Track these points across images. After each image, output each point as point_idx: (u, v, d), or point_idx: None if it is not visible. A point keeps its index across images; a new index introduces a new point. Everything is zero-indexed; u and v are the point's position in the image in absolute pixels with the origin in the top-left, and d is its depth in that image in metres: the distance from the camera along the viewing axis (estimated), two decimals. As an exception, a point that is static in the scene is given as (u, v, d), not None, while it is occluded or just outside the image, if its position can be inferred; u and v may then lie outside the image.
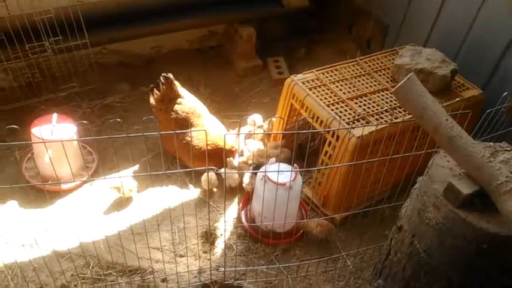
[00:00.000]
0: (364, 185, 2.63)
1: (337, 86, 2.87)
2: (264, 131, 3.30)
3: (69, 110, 3.41)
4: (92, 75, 3.59)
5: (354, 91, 2.85)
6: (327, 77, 2.94)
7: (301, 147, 3.14)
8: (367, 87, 2.90)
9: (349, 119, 2.62)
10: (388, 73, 3.06)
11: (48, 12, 2.99)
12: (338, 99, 2.77)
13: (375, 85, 2.94)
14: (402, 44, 3.30)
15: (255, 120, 3.38)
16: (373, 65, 3.12)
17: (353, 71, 3.04)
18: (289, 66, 4.12)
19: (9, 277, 2.39)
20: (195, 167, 2.99)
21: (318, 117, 2.69)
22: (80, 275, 2.43)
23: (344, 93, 2.82)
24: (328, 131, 2.63)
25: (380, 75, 3.03)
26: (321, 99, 2.74)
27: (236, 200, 2.96)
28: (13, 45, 3.03)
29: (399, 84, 1.71)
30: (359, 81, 2.95)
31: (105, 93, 3.63)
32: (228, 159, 3.04)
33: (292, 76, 2.91)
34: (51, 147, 2.73)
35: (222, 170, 2.87)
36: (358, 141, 2.46)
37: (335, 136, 2.59)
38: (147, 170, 3.06)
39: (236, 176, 2.93)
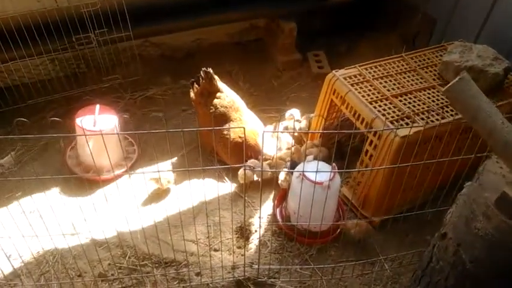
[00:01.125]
0: (407, 187, 2.52)
1: (380, 83, 2.76)
2: (300, 127, 3.22)
3: (112, 101, 3.48)
4: (135, 67, 3.63)
5: (398, 88, 2.74)
6: (370, 72, 2.84)
7: (341, 145, 3.05)
8: (412, 85, 2.78)
9: (393, 117, 2.51)
10: (435, 70, 2.92)
11: (95, 5, 3.05)
12: (382, 96, 2.67)
13: (420, 82, 2.81)
14: (450, 40, 3.14)
15: (293, 114, 3.32)
16: (419, 61, 2.98)
17: (398, 67, 2.92)
18: (330, 62, 4.02)
19: (50, 263, 2.47)
20: (231, 161, 3.00)
21: (359, 115, 2.60)
22: (117, 264, 2.48)
23: (388, 90, 2.71)
24: (370, 131, 2.53)
25: (426, 72, 2.89)
26: (363, 96, 2.65)
27: (271, 196, 2.92)
28: (61, 37, 3.10)
29: (450, 83, 1.60)
30: (404, 77, 2.83)
31: (147, 85, 3.68)
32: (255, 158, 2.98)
33: (333, 71, 2.83)
34: (92, 138, 2.79)
35: (259, 166, 2.85)
36: (403, 141, 2.35)
37: (377, 135, 2.49)
38: (184, 163, 3.11)
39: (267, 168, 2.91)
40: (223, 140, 2.94)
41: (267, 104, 3.66)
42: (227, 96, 3.03)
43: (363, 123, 2.58)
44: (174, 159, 3.14)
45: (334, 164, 2.49)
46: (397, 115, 2.53)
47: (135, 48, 3.47)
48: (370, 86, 2.74)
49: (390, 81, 2.79)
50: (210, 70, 2.95)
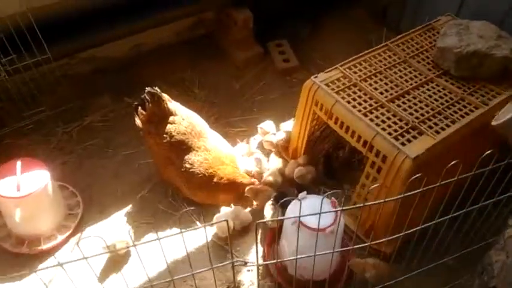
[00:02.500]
0: (424, 206, 2.09)
1: (370, 84, 2.27)
2: (277, 142, 2.70)
3: (41, 141, 2.81)
4: (63, 92, 2.95)
5: (392, 88, 2.25)
6: (355, 72, 2.33)
7: (329, 159, 2.56)
8: (407, 81, 2.31)
9: (396, 131, 2.03)
10: (427, 57, 2.46)
11: (-7, 28, 2.33)
12: (375, 103, 2.18)
13: (415, 76, 2.34)
14: (431, 13, 2.69)
15: (265, 128, 2.79)
16: (408, 48, 2.51)
17: (385, 59, 2.43)
18: (293, 49, 3.47)
19: None
20: (199, 200, 2.46)
21: (354, 132, 2.10)
22: None
23: (381, 92, 2.22)
24: (371, 150, 2.05)
25: (419, 62, 2.43)
26: (354, 106, 2.14)
27: (254, 235, 2.40)
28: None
29: (503, 119, 1.14)
30: (395, 73, 2.35)
31: (82, 111, 3.00)
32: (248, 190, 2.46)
33: (312, 78, 2.30)
34: (20, 204, 2.16)
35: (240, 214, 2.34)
36: (415, 164, 1.89)
37: (380, 156, 2.01)
38: (144, 208, 2.53)
39: (247, 213, 2.40)
40: (187, 176, 2.38)
41: (232, 113, 3.09)
42: (183, 120, 2.42)
43: (359, 141, 2.09)
44: (129, 208, 2.54)
45: (333, 199, 2.01)
46: (400, 127, 2.06)
47: (58, 69, 2.77)
48: (359, 90, 2.24)
49: (381, 80, 2.30)
50: (157, 90, 2.32)
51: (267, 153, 2.77)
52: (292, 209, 2.03)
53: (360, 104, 2.16)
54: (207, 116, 2.94)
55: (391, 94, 2.21)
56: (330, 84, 2.25)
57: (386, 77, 2.32)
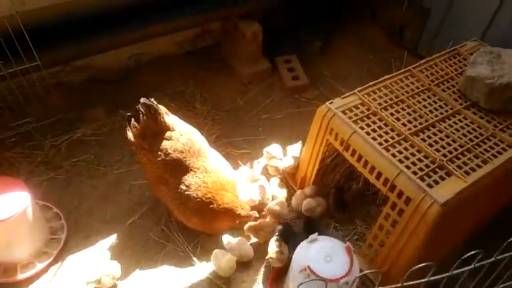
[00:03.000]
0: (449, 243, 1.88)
1: (391, 114, 2.05)
2: (284, 168, 2.48)
3: (26, 154, 2.57)
4: (54, 102, 2.72)
5: (416, 120, 2.04)
6: (375, 99, 2.11)
7: (339, 190, 2.34)
8: (432, 112, 2.09)
9: (421, 169, 1.81)
10: (453, 85, 2.25)
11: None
12: (397, 135, 1.96)
13: (441, 107, 2.13)
14: (453, 37, 2.49)
15: (271, 152, 2.57)
16: (432, 74, 2.29)
17: (407, 86, 2.21)
18: (303, 65, 3.26)
19: None
20: (192, 226, 2.23)
21: (373, 167, 1.88)
22: None
23: (404, 124, 2.01)
24: (392, 190, 1.83)
25: (444, 90, 2.21)
26: (374, 139, 1.92)
27: (259, 275, 2.17)
28: None
29: None
30: (419, 102, 2.14)
31: (73, 123, 2.77)
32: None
33: (327, 103, 2.08)
34: (-6, 230, 1.92)
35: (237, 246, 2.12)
36: (443, 210, 1.67)
37: (403, 197, 1.79)
38: (132, 237, 2.29)
39: (250, 248, 2.18)
40: (182, 199, 2.14)
41: (235, 132, 2.87)
42: (181, 136, 2.18)
43: (379, 179, 1.86)
44: (118, 235, 2.30)
45: (348, 244, 1.78)
46: (426, 165, 1.84)
47: (49, 78, 2.54)
48: (379, 120, 2.02)
49: (403, 109, 2.08)
50: (153, 101, 2.08)
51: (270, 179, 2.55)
52: (301, 254, 1.80)
53: (380, 136, 1.94)
54: (208, 134, 2.72)
55: (414, 126, 2.00)
56: (347, 111, 2.04)
57: (409, 106, 2.10)
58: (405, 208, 1.79)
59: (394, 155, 1.86)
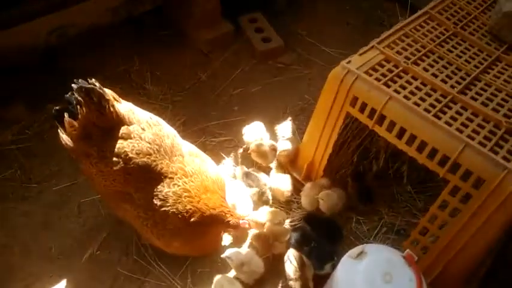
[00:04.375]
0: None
1: (425, 69, 1.58)
2: (280, 154, 1.95)
3: None
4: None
5: (455, 74, 1.59)
6: (399, 52, 1.62)
7: (358, 176, 1.86)
8: (469, 62, 1.66)
9: (487, 138, 1.37)
10: (479, 27, 1.82)
11: None
12: (442, 96, 1.49)
13: (476, 54, 1.70)
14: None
15: (250, 133, 2.02)
16: (452, 16, 1.85)
17: (430, 32, 1.75)
18: (272, 25, 2.68)
19: None
20: (173, 251, 1.66)
21: (423, 143, 1.40)
22: None
23: (443, 80, 1.55)
24: (452, 171, 1.36)
25: (472, 34, 1.79)
26: (416, 104, 1.44)
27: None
28: None
29: None
30: (450, 51, 1.69)
31: (-17, 130, 2.03)
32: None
33: (343, 63, 1.55)
34: None
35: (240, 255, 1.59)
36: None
37: (472, 179, 1.33)
38: (92, 277, 1.68)
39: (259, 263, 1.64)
40: (157, 219, 1.54)
41: (205, 115, 2.29)
42: (144, 130, 1.55)
43: (433, 158, 1.39)
44: (72, 278, 1.66)
45: (409, 252, 1.30)
46: (491, 132, 1.40)
47: None
48: (414, 79, 1.54)
49: (436, 62, 1.62)
50: (95, 83, 1.43)
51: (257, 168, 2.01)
52: (347, 275, 1.30)
53: (422, 99, 1.46)
54: (170, 122, 2.09)
55: (457, 82, 1.54)
56: (372, 72, 1.53)
57: (441, 57, 1.64)
58: (474, 192, 1.34)
59: (448, 123, 1.39)
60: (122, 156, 1.47)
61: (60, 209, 1.85)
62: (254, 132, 2.03)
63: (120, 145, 1.48)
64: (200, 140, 2.12)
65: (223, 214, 1.62)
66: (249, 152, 1.97)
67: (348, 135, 1.87)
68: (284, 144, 1.95)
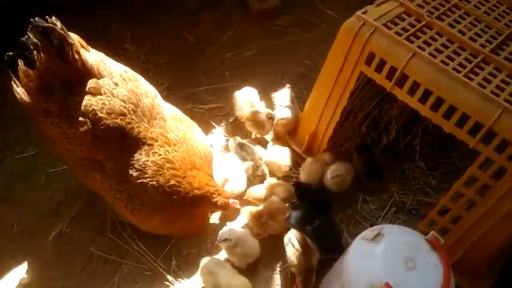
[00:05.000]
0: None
1: (451, 25, 1.37)
2: (277, 123, 1.72)
3: None
4: None
5: (485, 32, 1.40)
6: (420, 6, 1.41)
7: (366, 150, 1.65)
8: (499, 20, 1.48)
9: (528, 104, 1.16)
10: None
11: None
12: (472, 55, 1.29)
13: (506, 13, 1.49)
14: None
15: (243, 99, 1.80)
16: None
17: (454, -14, 1.52)
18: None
19: None
20: (150, 229, 1.45)
21: (452, 107, 1.20)
22: None
23: (472, 38, 1.33)
24: (485, 141, 1.17)
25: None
26: (444, 63, 1.23)
27: (262, 281, 1.46)
28: None
29: None
30: (477, 7, 1.49)
31: None
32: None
33: (359, 13, 1.32)
34: None
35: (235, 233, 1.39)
36: None
37: (510, 150, 1.13)
38: (61, 258, 1.46)
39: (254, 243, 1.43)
40: (133, 193, 1.32)
41: (192, 80, 2.08)
42: (117, 86, 1.30)
43: (464, 125, 1.19)
44: (38, 259, 1.43)
45: (433, 233, 1.11)
46: (532, 96, 1.19)
47: None
48: (439, 35, 1.33)
49: (462, 18, 1.41)
50: (55, 22, 1.19)
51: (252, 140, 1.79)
52: (362, 260, 1.10)
53: (450, 58, 1.26)
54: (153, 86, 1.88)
55: (488, 41, 1.34)
56: (391, 25, 1.30)
57: (468, 13, 1.43)
58: (510, 166, 1.15)
59: (482, 86, 1.18)
60: (90, 115, 1.23)
61: (25, 180, 1.62)
62: (246, 99, 1.80)
63: (88, 102, 1.23)
64: (187, 106, 1.88)
65: (210, 195, 1.41)
66: (243, 120, 1.75)
67: (355, 104, 1.66)
68: (283, 112, 1.72)
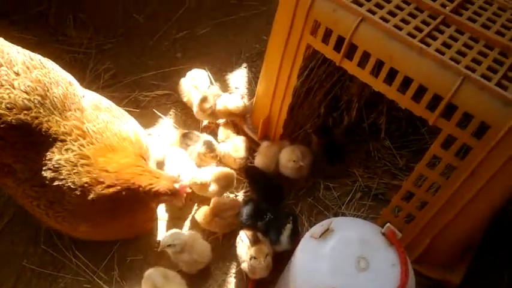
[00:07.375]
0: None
1: (407, -16, 1.18)
2: (233, 109, 1.55)
3: None
4: None
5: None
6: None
7: (326, 131, 1.49)
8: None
9: (492, 70, 1.01)
10: None
11: None
12: (431, 17, 1.12)
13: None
14: None
15: (198, 83, 1.62)
16: None
17: None
18: None
19: None
20: (83, 236, 1.29)
21: (407, 79, 1.04)
22: None
23: (433, -3, 1.16)
24: (446, 116, 1.01)
25: None
26: (397, 27, 1.06)
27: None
28: None
29: None
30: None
31: None
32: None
33: (299, -23, 1.14)
34: None
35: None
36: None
37: (472, 125, 0.98)
38: None
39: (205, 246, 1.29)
40: (51, 197, 1.17)
41: (140, 65, 1.95)
42: (18, 75, 1.12)
43: (421, 100, 1.03)
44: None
45: (389, 225, 0.97)
46: (496, 61, 1.04)
47: None
48: (393, -6, 1.15)
49: (421, -25, 1.22)
50: None
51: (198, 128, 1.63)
52: (310, 260, 0.96)
53: (405, 21, 1.09)
54: (95, 74, 1.73)
55: (449, 0, 1.15)
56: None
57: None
58: (474, 143, 1.00)
59: (440, 51, 1.02)
60: None
61: None
62: (192, 83, 1.62)
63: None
64: (132, 94, 1.71)
65: (144, 184, 1.19)
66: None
67: (313, 82, 1.50)
68: (235, 99, 1.54)
